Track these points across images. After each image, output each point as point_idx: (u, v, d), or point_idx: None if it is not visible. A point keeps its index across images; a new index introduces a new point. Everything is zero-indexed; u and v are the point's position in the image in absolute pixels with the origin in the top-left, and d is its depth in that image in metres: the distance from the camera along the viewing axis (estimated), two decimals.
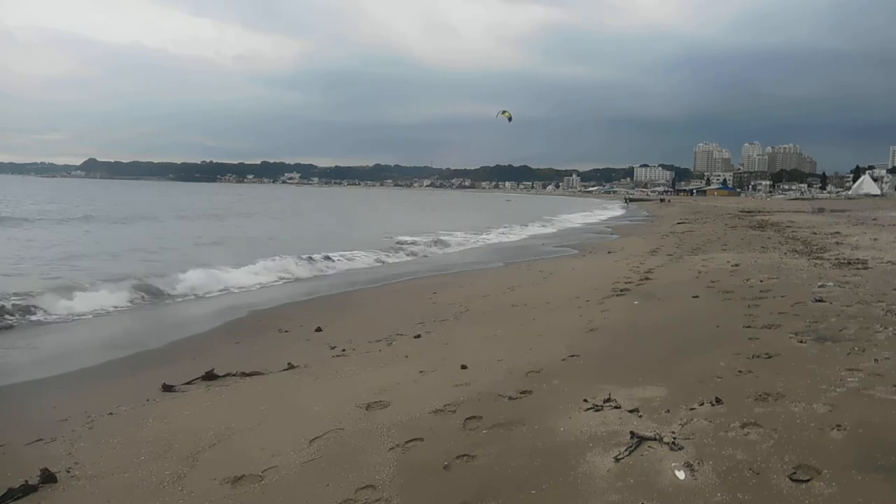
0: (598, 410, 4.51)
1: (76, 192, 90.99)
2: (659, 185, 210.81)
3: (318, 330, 9.17)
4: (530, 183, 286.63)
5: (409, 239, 24.24)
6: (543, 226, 37.82)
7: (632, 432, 3.98)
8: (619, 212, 64.65)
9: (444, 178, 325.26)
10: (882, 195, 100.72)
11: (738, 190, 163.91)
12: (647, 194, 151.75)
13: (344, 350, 7.72)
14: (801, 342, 5.80)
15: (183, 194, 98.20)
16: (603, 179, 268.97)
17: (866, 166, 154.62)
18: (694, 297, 8.81)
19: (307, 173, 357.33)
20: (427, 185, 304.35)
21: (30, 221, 33.36)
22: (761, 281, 9.55)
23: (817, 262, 11.80)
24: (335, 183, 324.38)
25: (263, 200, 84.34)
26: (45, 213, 40.40)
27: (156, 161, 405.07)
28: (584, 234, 31.22)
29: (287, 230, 33.23)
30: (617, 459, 3.71)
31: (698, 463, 3.57)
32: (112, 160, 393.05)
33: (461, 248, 23.83)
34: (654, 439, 3.88)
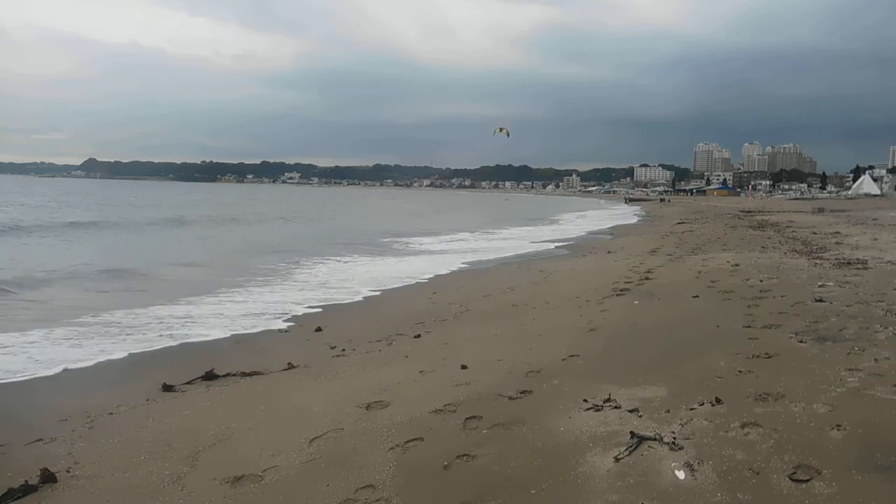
0: (598, 410, 4.51)
1: (112, 193, 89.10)
2: (659, 184, 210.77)
3: (318, 330, 9.17)
4: (530, 183, 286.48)
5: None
6: (531, 230, 37.13)
7: (632, 432, 3.98)
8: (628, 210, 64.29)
9: (444, 178, 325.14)
10: (882, 195, 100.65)
11: (738, 190, 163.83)
12: (647, 194, 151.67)
13: (344, 350, 7.72)
14: (801, 342, 5.80)
15: (214, 195, 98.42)
16: (603, 179, 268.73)
17: (866, 166, 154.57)
18: (694, 297, 8.81)
19: (307, 173, 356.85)
20: (427, 185, 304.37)
21: (189, 223, 35.32)
22: (761, 281, 9.55)
23: (817, 262, 11.80)
24: (335, 183, 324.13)
25: (294, 201, 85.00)
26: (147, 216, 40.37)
27: (156, 161, 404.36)
28: (583, 235, 31.20)
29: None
30: (617, 459, 3.71)
31: (698, 463, 3.57)
32: (112, 160, 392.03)
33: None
34: (654, 439, 3.88)
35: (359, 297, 12.26)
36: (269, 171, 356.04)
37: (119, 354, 7.82)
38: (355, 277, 14.98)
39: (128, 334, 8.82)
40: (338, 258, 18.89)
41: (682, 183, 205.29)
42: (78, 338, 8.53)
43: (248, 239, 26.25)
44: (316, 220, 43.81)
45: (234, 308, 10.80)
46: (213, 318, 9.93)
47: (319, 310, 10.86)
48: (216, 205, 64.42)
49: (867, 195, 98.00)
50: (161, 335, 8.81)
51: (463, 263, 17.89)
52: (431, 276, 15.21)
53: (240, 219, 41.94)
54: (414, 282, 14.31)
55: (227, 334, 8.98)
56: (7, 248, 20.48)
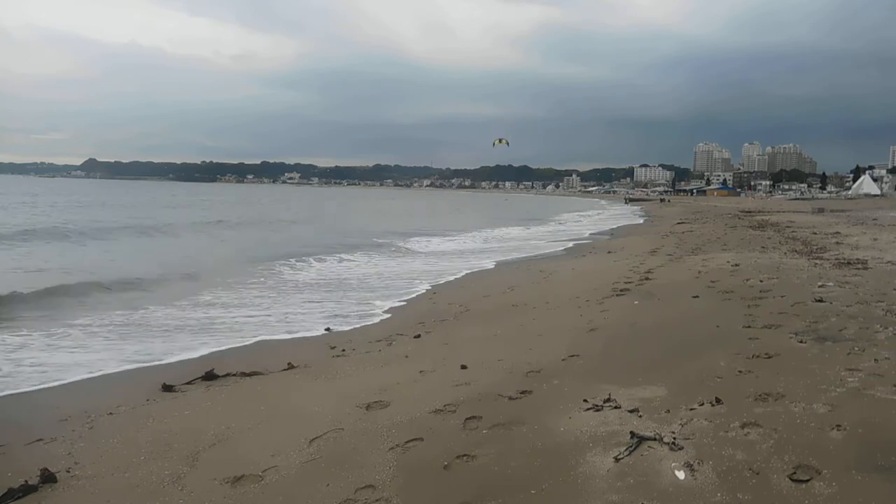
0: (598, 410, 4.51)
1: (120, 194, 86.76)
2: (659, 185, 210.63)
3: (328, 330, 9.17)
4: (530, 183, 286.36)
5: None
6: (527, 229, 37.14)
7: (632, 432, 3.98)
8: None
9: (444, 178, 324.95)
10: (882, 195, 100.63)
11: (738, 190, 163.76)
12: (647, 194, 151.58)
13: (344, 350, 7.72)
14: (801, 342, 5.80)
15: (220, 195, 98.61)
16: (603, 179, 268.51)
17: (866, 166, 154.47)
18: (694, 297, 8.81)
19: (307, 173, 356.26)
20: (427, 185, 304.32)
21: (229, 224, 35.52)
22: (761, 281, 9.55)
23: (817, 262, 11.80)
24: (335, 183, 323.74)
25: (296, 201, 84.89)
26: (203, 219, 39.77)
27: (156, 161, 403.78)
28: (590, 234, 31.19)
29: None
30: (617, 459, 3.71)
31: (698, 463, 3.57)
32: (112, 160, 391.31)
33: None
34: (654, 439, 3.88)
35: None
36: (269, 172, 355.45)
37: (248, 340, 8.56)
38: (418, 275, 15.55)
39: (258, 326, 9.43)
40: (382, 258, 19.81)
41: (682, 183, 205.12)
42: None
43: (283, 240, 26.04)
44: (333, 221, 43.06)
45: (331, 308, 11.10)
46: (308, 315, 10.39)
47: (403, 303, 11.45)
48: (230, 205, 64.19)
49: (867, 195, 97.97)
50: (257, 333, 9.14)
51: (492, 263, 18.16)
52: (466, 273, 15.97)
53: (271, 221, 41.00)
54: (453, 278, 14.86)
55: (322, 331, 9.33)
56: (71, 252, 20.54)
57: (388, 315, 10.37)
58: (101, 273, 14.63)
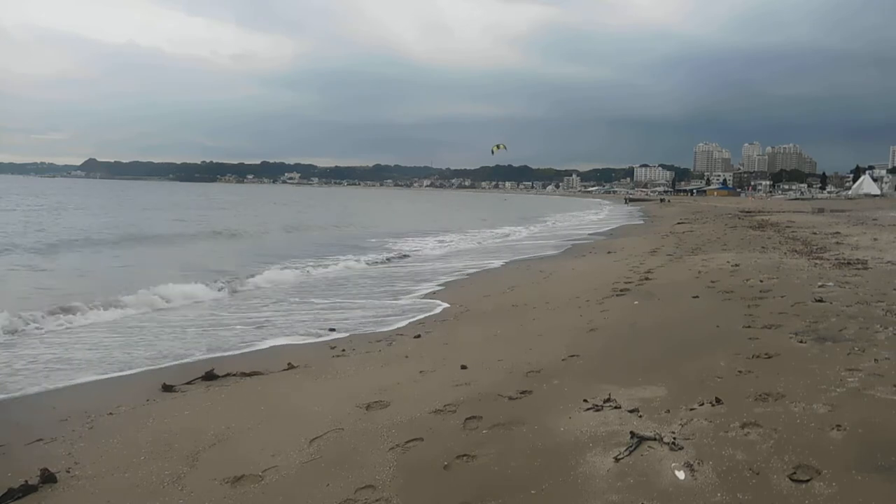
0: (598, 410, 4.51)
1: (131, 195, 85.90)
2: (659, 185, 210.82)
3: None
4: (530, 183, 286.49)
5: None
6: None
7: (632, 432, 3.98)
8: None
9: (444, 178, 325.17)
10: (882, 195, 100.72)
11: (738, 190, 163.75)
12: (647, 194, 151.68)
13: (344, 350, 7.72)
14: (801, 342, 5.80)
15: (230, 196, 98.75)
16: (603, 179, 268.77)
17: (866, 166, 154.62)
18: (694, 297, 8.81)
19: (307, 173, 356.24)
20: (427, 185, 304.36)
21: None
22: (761, 281, 9.55)
23: (817, 262, 11.80)
24: (335, 183, 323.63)
25: (298, 202, 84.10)
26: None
27: (156, 161, 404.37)
28: (590, 234, 31.17)
29: None
30: (617, 459, 3.71)
31: (698, 463, 3.57)
32: (112, 160, 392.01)
33: None
34: (654, 439, 3.88)
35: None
36: (269, 172, 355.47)
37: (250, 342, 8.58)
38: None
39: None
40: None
41: (682, 183, 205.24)
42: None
43: (293, 242, 26.22)
44: (336, 222, 42.16)
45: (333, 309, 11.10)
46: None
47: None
48: (255, 208, 63.27)
49: (867, 195, 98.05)
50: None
51: (499, 262, 18.28)
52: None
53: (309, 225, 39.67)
54: (453, 278, 14.93)
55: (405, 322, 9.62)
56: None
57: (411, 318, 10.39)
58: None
